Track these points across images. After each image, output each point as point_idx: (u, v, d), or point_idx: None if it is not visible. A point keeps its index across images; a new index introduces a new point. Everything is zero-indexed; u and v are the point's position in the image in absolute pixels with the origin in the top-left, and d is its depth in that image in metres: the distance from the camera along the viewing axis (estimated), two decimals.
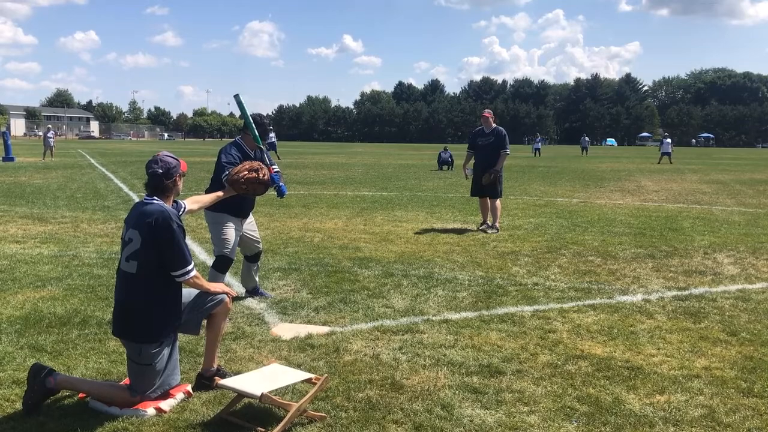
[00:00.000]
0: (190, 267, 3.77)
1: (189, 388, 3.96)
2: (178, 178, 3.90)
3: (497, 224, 10.54)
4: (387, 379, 4.22)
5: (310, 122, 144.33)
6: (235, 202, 5.43)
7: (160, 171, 3.80)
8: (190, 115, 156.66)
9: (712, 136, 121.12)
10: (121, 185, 18.43)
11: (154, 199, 3.81)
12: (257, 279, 6.38)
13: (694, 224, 11.65)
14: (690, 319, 5.66)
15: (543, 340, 5.06)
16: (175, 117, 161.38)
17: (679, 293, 6.58)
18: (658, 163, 38.13)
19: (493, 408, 3.82)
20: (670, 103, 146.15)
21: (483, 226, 10.65)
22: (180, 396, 3.87)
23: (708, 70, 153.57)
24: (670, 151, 39.62)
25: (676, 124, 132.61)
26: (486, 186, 10.72)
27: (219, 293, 3.99)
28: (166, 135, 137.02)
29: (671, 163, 37.81)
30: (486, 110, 11.16)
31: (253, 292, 6.30)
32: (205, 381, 4.03)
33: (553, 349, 4.84)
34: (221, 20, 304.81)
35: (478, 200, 11.15)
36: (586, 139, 54.79)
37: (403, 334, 5.16)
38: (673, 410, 3.80)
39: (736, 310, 5.97)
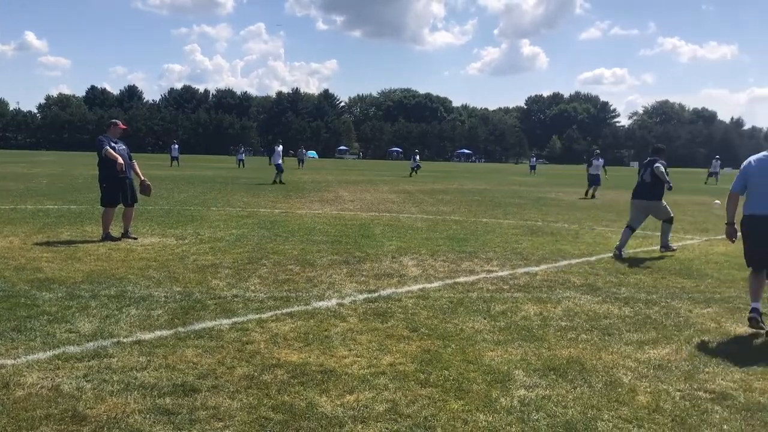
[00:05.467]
0: None
1: None
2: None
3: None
4: (68, 412, 3.83)
5: None
6: None
7: None
8: None
9: (401, 150, 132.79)
10: None
11: None
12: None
13: (384, 231, 12.60)
14: (378, 320, 6.07)
15: (240, 352, 5.02)
16: None
17: (370, 296, 7.03)
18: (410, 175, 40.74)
19: (187, 428, 3.68)
20: (364, 119, 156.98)
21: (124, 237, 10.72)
22: None
23: (396, 90, 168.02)
24: (419, 164, 42.48)
25: (370, 139, 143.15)
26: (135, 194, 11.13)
27: None
28: None
29: (413, 175, 40.42)
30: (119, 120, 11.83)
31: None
32: None
33: (250, 361, 4.82)
34: None
35: (113, 211, 10.89)
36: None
37: (89, 360, 4.73)
38: (362, 408, 4.02)
39: (417, 308, 6.55)
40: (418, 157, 44.11)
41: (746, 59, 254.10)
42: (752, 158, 6.39)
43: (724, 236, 6.70)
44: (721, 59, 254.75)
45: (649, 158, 11.33)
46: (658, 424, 3.94)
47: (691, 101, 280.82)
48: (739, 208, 6.46)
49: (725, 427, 3.92)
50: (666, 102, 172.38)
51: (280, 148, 29.57)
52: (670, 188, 10.99)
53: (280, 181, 27.83)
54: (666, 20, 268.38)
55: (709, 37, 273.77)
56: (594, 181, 24.95)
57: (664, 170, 10.75)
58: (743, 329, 6.14)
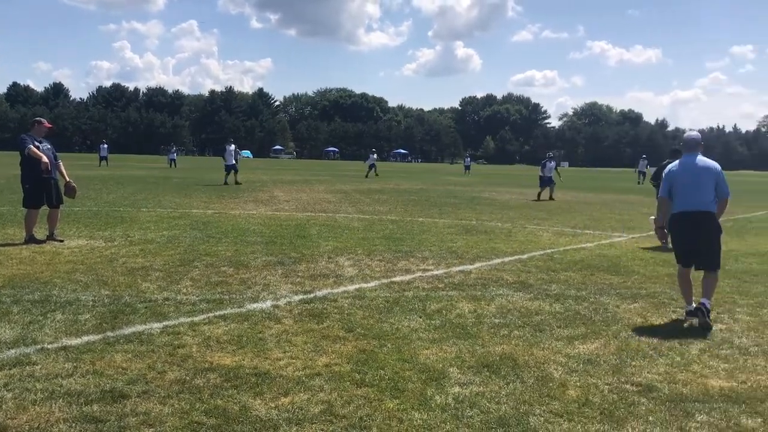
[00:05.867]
0: None
1: None
2: None
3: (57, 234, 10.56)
4: None
5: None
6: None
7: None
8: None
9: (337, 150, 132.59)
10: None
11: None
12: None
13: (321, 231, 12.54)
14: (314, 321, 6.03)
15: (172, 356, 4.90)
16: None
17: (305, 296, 6.98)
18: (366, 177, 40.13)
19: None
20: (300, 118, 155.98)
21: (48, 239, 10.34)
22: None
23: (332, 90, 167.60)
24: (374, 164, 41.88)
25: (306, 138, 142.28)
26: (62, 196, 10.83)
27: None
28: None
29: (377, 175, 40.01)
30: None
31: None
32: None
33: (182, 365, 4.72)
34: None
35: (37, 212, 10.41)
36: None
37: (10, 369, 4.53)
38: (296, 410, 3.98)
39: (353, 308, 6.54)
40: (375, 156, 43.68)
41: (670, 63, 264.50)
42: (673, 164, 6.93)
43: (653, 234, 6.99)
44: (647, 63, 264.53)
45: (668, 160, 12.14)
46: (587, 417, 4.04)
47: (618, 103, 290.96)
48: None
49: (651, 418, 4.05)
50: (594, 104, 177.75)
51: (233, 147, 28.78)
52: None
53: (225, 182, 27.18)
54: (594, 24, 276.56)
55: (635, 41, 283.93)
56: (547, 182, 24.40)
57: None
58: (668, 323, 6.37)
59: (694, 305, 6.41)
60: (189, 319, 5.91)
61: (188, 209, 16.31)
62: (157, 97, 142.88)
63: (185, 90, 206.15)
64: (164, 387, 4.29)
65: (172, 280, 7.60)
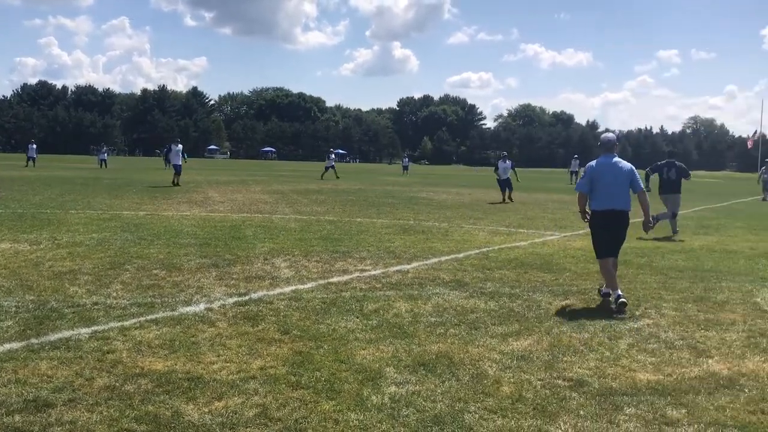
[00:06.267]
0: None
1: None
2: None
3: None
4: None
5: None
6: None
7: None
8: None
9: (274, 149, 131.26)
10: None
11: None
12: None
13: (256, 232, 12.39)
14: (249, 323, 5.95)
15: (101, 362, 4.75)
16: None
17: (240, 299, 6.88)
18: (331, 178, 38.99)
19: None
20: (235, 118, 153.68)
21: None
22: None
23: (269, 89, 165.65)
24: (333, 164, 41.01)
25: (242, 138, 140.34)
26: None
27: None
28: None
29: (321, 177, 39.05)
30: None
31: None
32: None
33: (111, 371, 4.58)
34: None
35: None
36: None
37: None
38: (230, 414, 3.92)
39: (289, 310, 6.48)
40: (333, 156, 43.08)
41: (600, 66, 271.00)
42: (593, 162, 7.50)
43: (584, 233, 7.25)
44: (578, 65, 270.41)
45: (666, 161, 14.57)
46: (520, 413, 4.11)
47: (551, 104, 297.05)
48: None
49: (582, 412, 4.15)
50: (528, 105, 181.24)
51: (180, 147, 27.89)
52: (688, 178, 14.46)
53: (176, 183, 26.49)
54: (527, 27, 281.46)
55: (567, 44, 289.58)
56: (505, 184, 23.37)
57: (685, 168, 14.53)
58: (598, 319, 6.54)
59: (620, 292, 6.81)
60: (119, 324, 5.75)
61: (119, 211, 15.86)
62: (86, 96, 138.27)
63: (116, 88, 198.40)
64: (92, 394, 4.15)
65: (102, 284, 7.37)
